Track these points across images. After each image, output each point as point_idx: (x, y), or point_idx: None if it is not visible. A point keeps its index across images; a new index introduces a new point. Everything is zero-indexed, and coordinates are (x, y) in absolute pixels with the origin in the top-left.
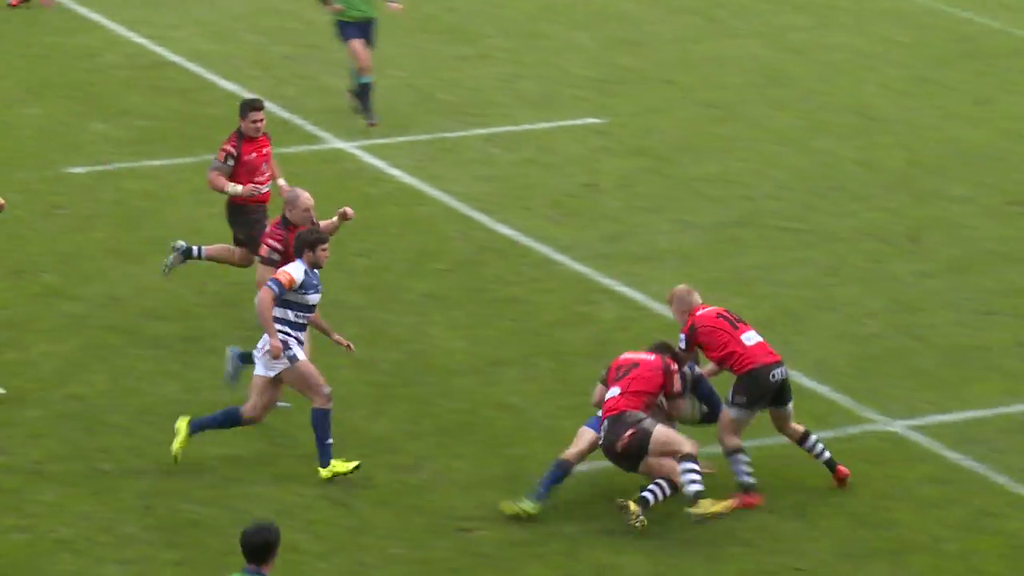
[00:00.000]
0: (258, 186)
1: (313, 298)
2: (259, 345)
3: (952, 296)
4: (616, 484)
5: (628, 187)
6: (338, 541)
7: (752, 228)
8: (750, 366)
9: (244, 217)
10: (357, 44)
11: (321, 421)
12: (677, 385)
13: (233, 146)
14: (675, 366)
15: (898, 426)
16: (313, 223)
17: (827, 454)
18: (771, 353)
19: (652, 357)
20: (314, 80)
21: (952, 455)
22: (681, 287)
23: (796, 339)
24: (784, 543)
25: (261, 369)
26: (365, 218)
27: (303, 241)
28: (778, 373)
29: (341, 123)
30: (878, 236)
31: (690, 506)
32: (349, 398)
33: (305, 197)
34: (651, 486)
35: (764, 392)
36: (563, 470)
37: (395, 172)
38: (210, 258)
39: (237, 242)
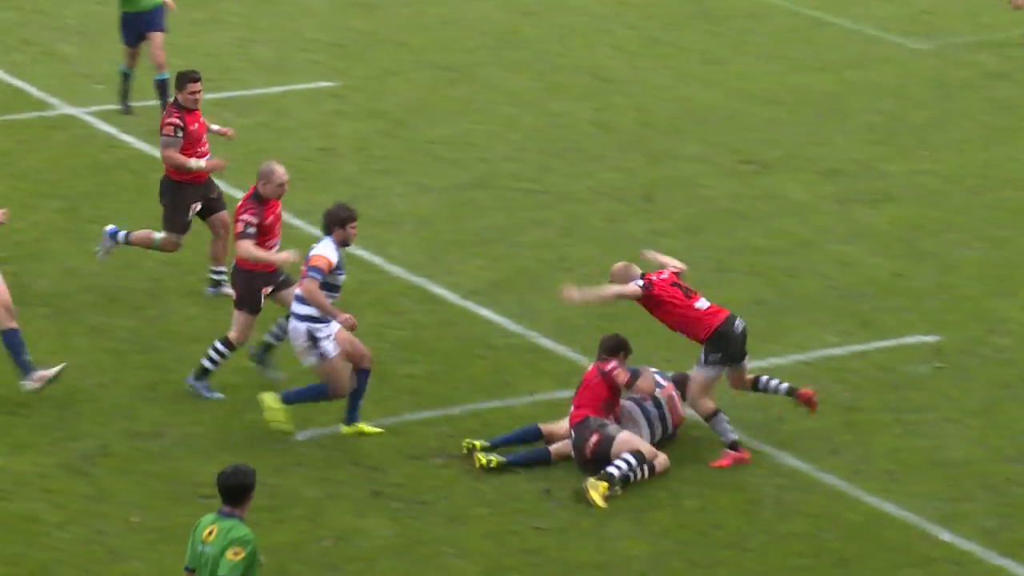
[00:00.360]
0: (219, 163)
1: (342, 278)
2: (293, 339)
3: (687, 254)
4: (361, 449)
5: (364, 150)
6: (76, 510)
7: (489, 190)
8: (712, 327)
9: (179, 194)
10: (137, 49)
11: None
12: (623, 378)
13: (177, 118)
14: (608, 365)
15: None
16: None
17: (784, 385)
18: (721, 310)
19: (589, 368)
20: (42, 46)
21: (689, 413)
22: (619, 264)
23: (534, 299)
24: (525, 503)
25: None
26: (99, 184)
27: (335, 218)
28: (739, 323)
29: (71, 89)
30: (613, 196)
31: (599, 481)
32: (85, 366)
33: (280, 171)
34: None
35: (736, 344)
36: (533, 435)
37: (127, 138)
38: (135, 243)
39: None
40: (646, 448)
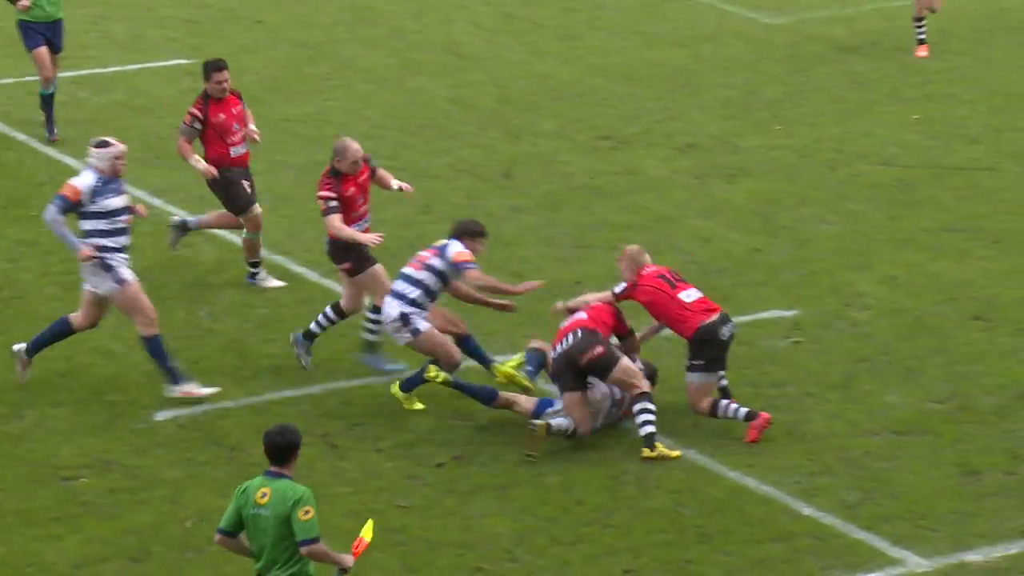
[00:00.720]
0: (211, 171)
1: None
2: (385, 320)
3: (547, 231)
4: (221, 429)
5: None
6: None
7: None
8: (697, 326)
9: (225, 179)
10: (42, 52)
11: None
12: (626, 325)
13: (199, 109)
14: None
15: (497, 360)
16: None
17: (743, 411)
18: (712, 308)
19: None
20: None
21: (550, 387)
22: (632, 247)
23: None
24: (387, 481)
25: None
26: None
27: (467, 230)
28: (726, 330)
29: None
30: (472, 173)
31: (645, 448)
32: None
33: (355, 148)
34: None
35: (719, 351)
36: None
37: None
38: (207, 226)
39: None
40: (643, 382)
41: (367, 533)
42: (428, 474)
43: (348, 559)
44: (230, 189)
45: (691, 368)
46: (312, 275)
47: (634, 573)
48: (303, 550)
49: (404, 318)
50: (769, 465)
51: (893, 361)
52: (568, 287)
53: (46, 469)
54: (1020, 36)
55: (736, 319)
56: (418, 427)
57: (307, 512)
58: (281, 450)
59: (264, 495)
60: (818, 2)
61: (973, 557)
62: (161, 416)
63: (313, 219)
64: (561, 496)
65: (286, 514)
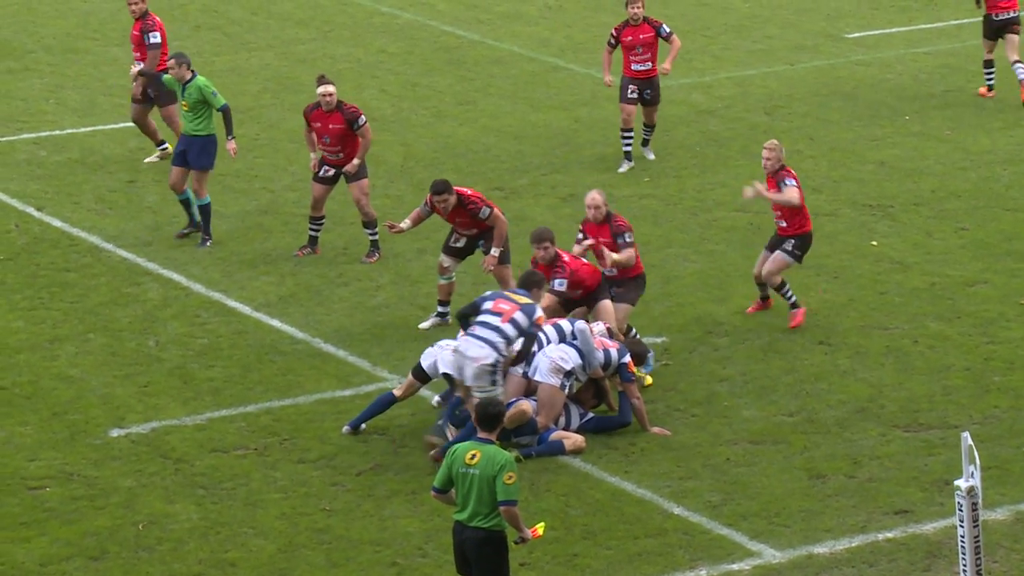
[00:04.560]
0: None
1: None
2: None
3: None
4: (168, 444)
5: (163, 183)
6: None
7: (274, 216)
8: (810, 227)
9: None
10: None
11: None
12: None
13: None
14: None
15: (396, 382)
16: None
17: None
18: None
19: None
20: None
21: None
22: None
23: (317, 311)
24: (314, 488)
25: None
26: None
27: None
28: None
29: None
30: (383, 219)
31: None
32: None
33: (588, 197)
34: None
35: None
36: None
37: None
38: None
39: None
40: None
41: (541, 529)
42: (349, 481)
43: (529, 533)
44: None
45: (791, 253)
46: (246, 309)
47: (529, 566)
48: (502, 508)
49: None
50: (644, 471)
51: (749, 380)
52: None
53: (15, 480)
54: (853, 100)
55: None
56: (340, 440)
57: (510, 477)
58: (490, 418)
59: (474, 456)
60: (679, 72)
61: (820, 550)
62: (115, 433)
63: (247, 260)
64: None
65: (492, 475)
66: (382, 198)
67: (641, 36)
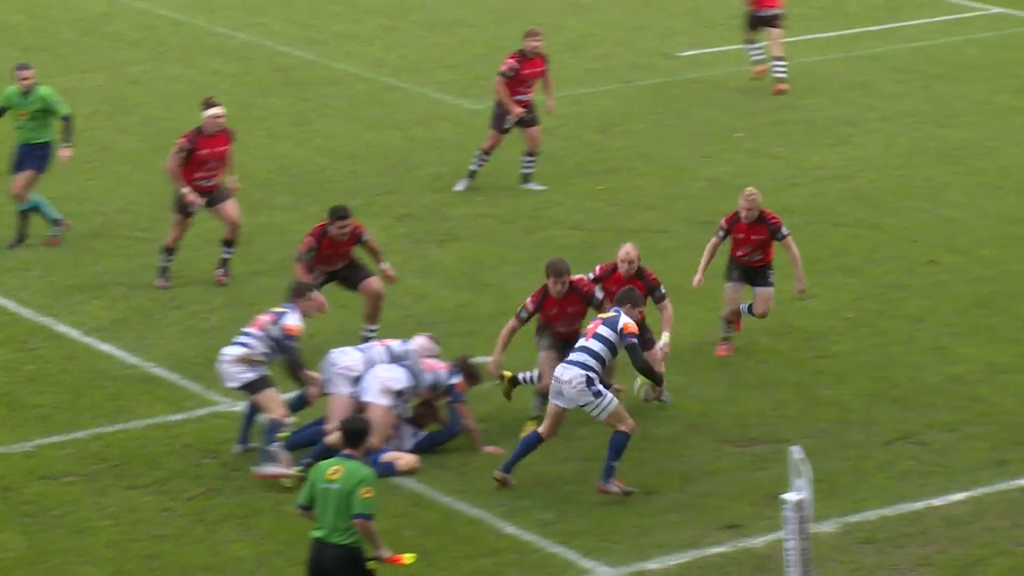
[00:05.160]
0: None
1: None
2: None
3: (282, 292)
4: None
5: None
6: None
7: (106, 239)
8: None
9: None
10: None
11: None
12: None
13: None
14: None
15: (240, 406)
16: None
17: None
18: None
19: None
20: None
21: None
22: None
23: (149, 335)
24: (145, 514)
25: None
26: None
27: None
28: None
29: None
30: (217, 242)
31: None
32: None
33: (622, 251)
34: None
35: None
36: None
37: None
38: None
39: None
40: None
41: (409, 559)
42: (180, 506)
43: (385, 552)
44: None
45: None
46: (76, 334)
47: None
48: (357, 522)
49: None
50: (477, 490)
51: None
52: (325, 343)
53: None
54: (686, 118)
55: None
56: (171, 465)
57: (368, 491)
58: (354, 434)
59: (336, 471)
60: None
61: (652, 565)
62: None
63: (78, 285)
64: (296, 522)
65: (351, 489)
66: (214, 221)
67: (537, 69)
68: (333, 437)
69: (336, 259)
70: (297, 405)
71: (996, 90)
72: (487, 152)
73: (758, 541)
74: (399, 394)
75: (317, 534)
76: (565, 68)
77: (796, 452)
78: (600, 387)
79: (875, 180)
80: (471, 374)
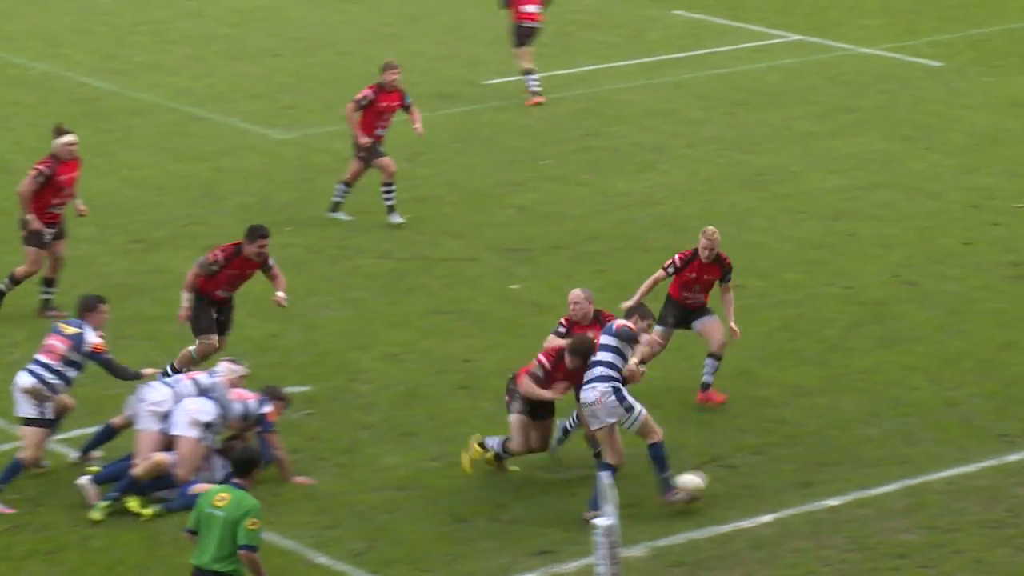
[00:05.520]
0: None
1: None
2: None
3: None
4: None
5: None
6: None
7: None
8: None
9: None
10: None
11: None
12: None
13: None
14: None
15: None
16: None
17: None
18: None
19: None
20: None
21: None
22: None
23: None
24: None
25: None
26: None
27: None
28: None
29: None
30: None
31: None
32: None
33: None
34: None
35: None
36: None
37: None
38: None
39: None
40: None
41: None
42: (121, 544)
43: None
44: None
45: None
46: None
47: None
48: (241, 553)
49: (621, 398)
50: (288, 522)
51: (393, 427)
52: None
53: None
54: (492, 146)
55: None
56: None
57: (254, 523)
58: (244, 464)
59: (223, 499)
60: (322, 120)
61: None
62: None
63: None
64: (104, 557)
65: (237, 519)
66: (15, 254)
67: (395, 104)
68: (139, 469)
69: (239, 281)
70: (104, 438)
71: (797, 116)
72: (350, 183)
73: (569, 567)
74: (208, 426)
75: (197, 562)
76: None
77: (604, 477)
78: (630, 400)
79: (680, 206)
80: (280, 400)
